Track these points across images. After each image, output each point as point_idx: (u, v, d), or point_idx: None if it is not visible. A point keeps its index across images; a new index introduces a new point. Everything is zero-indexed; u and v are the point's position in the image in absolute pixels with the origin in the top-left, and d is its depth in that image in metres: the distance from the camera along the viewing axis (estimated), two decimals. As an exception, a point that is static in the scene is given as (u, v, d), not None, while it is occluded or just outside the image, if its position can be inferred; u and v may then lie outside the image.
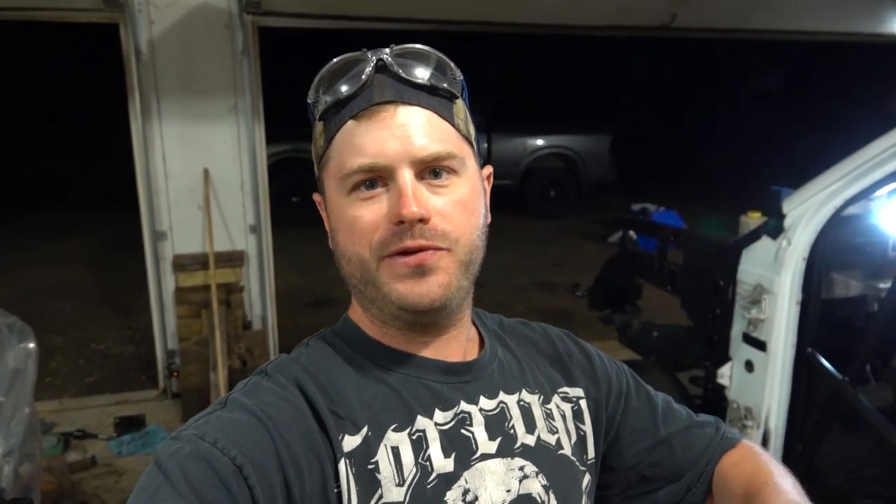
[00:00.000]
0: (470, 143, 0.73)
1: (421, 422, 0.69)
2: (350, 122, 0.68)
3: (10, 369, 2.08)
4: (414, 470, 0.67)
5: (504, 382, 0.77)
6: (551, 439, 0.77)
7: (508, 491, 0.71)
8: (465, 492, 0.68)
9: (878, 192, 1.78)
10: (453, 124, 0.70)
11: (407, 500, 0.65)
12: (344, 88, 0.69)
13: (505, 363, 0.80)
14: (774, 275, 1.90)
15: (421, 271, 0.66)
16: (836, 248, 1.99)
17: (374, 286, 0.68)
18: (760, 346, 1.96)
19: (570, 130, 8.45)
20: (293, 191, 7.79)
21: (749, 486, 0.78)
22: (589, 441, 0.82)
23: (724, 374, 2.09)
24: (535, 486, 0.73)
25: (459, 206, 0.68)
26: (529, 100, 10.10)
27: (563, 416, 0.81)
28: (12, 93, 10.66)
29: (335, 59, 0.71)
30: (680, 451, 0.85)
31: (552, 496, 0.74)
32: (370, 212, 0.67)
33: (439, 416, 0.70)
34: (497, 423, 0.74)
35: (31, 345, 2.14)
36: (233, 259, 3.57)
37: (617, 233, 3.26)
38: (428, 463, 0.68)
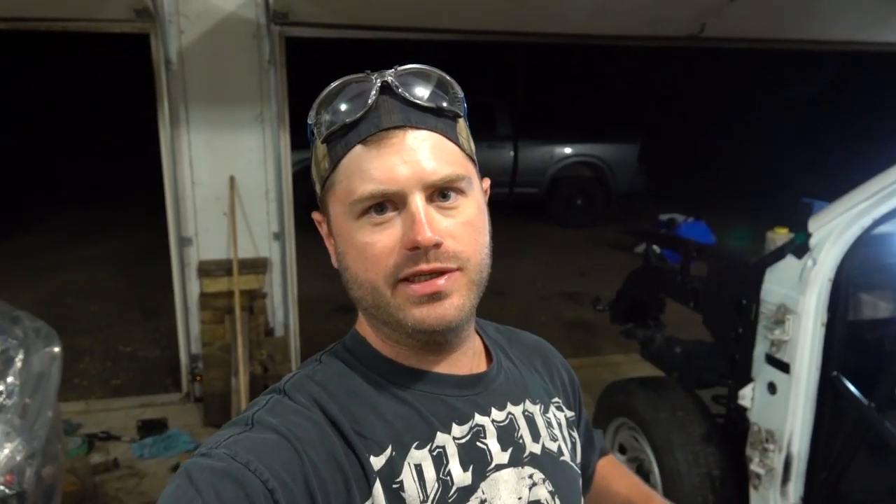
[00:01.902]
0: (473, 161, 0.74)
1: (440, 438, 0.70)
2: (358, 147, 0.67)
3: (35, 372, 2.13)
4: (436, 486, 0.68)
5: (510, 393, 0.79)
6: (553, 447, 0.80)
7: (520, 499, 0.73)
8: (483, 501, 0.70)
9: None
10: (458, 144, 0.71)
11: None
12: (349, 111, 0.68)
13: (509, 374, 0.82)
14: (799, 295, 1.86)
15: (437, 296, 0.67)
16: (865, 268, 1.93)
17: (387, 311, 0.68)
18: (784, 367, 1.91)
19: (598, 139, 8.38)
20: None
21: (631, 494, 0.95)
22: (578, 448, 0.88)
23: (746, 396, 2.04)
24: (543, 492, 0.76)
25: (469, 227, 0.69)
26: (557, 108, 10.05)
27: (560, 425, 0.84)
28: (50, 98, 10.97)
29: (337, 81, 0.70)
30: (584, 452, 0.94)
31: (557, 501, 0.77)
32: (383, 237, 0.66)
33: (456, 430, 0.72)
34: (507, 434, 0.76)
35: (56, 349, 2.18)
36: (256, 266, 3.61)
37: (643, 244, 3.23)
38: (448, 478, 0.69)
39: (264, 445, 0.62)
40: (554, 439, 0.81)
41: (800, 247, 1.88)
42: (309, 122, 0.72)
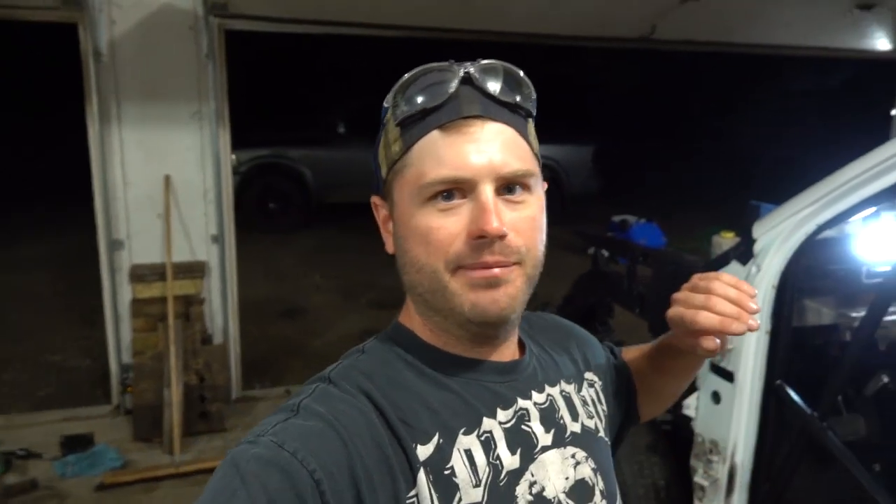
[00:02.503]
0: (539, 161, 0.75)
1: (487, 423, 0.72)
2: (435, 132, 0.69)
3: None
4: (487, 470, 0.69)
5: (546, 376, 0.82)
6: (590, 424, 0.83)
7: (567, 479, 0.75)
8: (532, 484, 0.72)
9: (853, 218, 1.69)
10: (528, 142, 0.73)
11: (485, 499, 0.68)
12: (430, 98, 0.69)
13: (540, 358, 0.84)
14: (743, 302, 1.80)
15: (495, 282, 0.68)
16: (808, 273, 1.90)
17: (444, 297, 0.70)
18: (728, 376, 1.86)
19: (551, 140, 8.37)
20: (271, 197, 7.66)
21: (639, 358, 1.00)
22: (607, 420, 0.90)
23: (690, 405, 1.99)
24: (587, 470, 0.78)
25: (531, 223, 0.71)
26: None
27: (593, 401, 0.87)
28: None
29: (419, 68, 0.71)
30: (626, 382, 0.99)
31: (599, 477, 0.79)
32: (448, 223, 0.68)
33: (502, 415, 0.73)
34: (549, 416, 0.78)
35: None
36: (193, 270, 3.44)
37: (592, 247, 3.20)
38: (498, 461, 0.70)
39: (311, 433, 0.62)
40: (591, 417, 0.84)
41: (744, 252, 1.83)
42: (385, 104, 0.73)
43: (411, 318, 0.77)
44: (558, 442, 0.77)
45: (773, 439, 1.86)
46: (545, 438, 0.76)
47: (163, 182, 3.39)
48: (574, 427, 0.80)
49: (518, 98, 0.72)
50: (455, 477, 0.67)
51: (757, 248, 1.81)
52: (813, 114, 10.00)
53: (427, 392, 0.71)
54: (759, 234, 1.80)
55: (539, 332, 0.89)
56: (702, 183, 10.21)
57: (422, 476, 0.65)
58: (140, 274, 3.37)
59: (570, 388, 0.84)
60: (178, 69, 3.39)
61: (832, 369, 1.91)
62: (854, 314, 1.90)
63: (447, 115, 0.69)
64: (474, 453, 0.69)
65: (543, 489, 0.72)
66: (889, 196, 1.57)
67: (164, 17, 3.31)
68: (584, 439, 0.80)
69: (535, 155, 0.74)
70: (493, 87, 0.70)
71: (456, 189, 0.68)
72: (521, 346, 0.83)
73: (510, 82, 0.72)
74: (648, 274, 2.43)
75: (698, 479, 1.97)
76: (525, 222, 0.70)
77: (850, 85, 7.51)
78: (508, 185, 0.69)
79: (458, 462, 0.68)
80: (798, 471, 1.85)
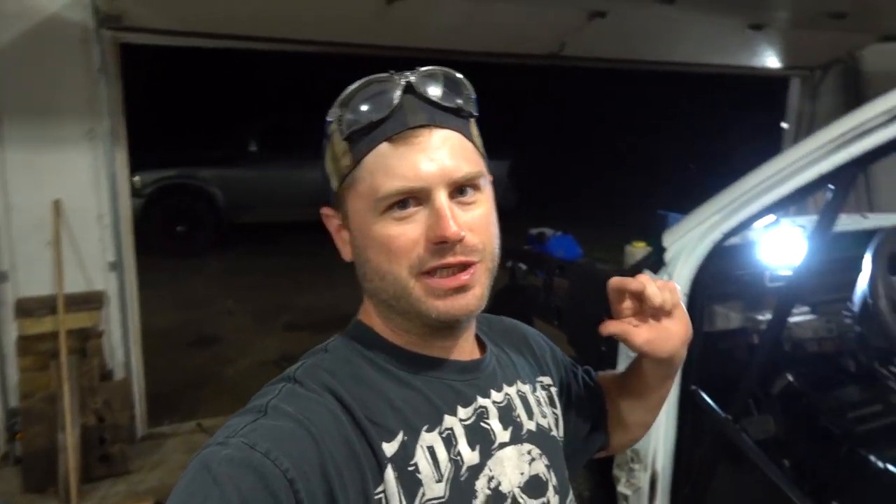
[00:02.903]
0: (485, 159, 0.77)
1: (448, 420, 0.74)
2: (384, 145, 0.70)
3: None
4: (449, 465, 0.72)
5: (504, 376, 0.85)
6: (544, 423, 0.86)
7: (522, 474, 0.78)
8: (490, 479, 0.75)
9: (755, 225, 1.74)
10: (473, 142, 0.75)
11: (447, 494, 0.70)
12: (374, 110, 0.70)
13: (499, 357, 0.87)
14: (657, 311, 1.83)
15: (462, 289, 0.71)
16: (716, 280, 1.95)
17: (409, 302, 0.72)
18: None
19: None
20: (179, 219, 7.32)
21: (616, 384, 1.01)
22: (560, 422, 0.92)
23: (612, 416, 2.00)
24: (541, 466, 0.81)
25: (485, 219, 0.74)
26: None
27: (546, 402, 0.90)
28: None
29: (361, 81, 0.72)
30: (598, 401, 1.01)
31: (552, 473, 0.83)
32: (406, 231, 0.70)
33: (462, 412, 0.76)
34: (507, 414, 0.81)
35: None
36: (89, 301, 3.19)
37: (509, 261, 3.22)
38: (459, 457, 0.73)
39: (282, 433, 0.62)
40: (544, 416, 0.87)
41: (655, 262, 1.86)
42: (328, 119, 0.74)
43: (371, 318, 0.78)
44: (515, 439, 0.80)
45: (691, 444, 1.89)
46: (503, 435, 0.78)
47: (52, 207, 3.14)
48: (530, 425, 0.83)
49: (460, 101, 0.73)
50: (419, 473, 0.69)
51: (668, 256, 1.84)
52: (716, 127, 10.58)
53: (391, 390, 0.73)
54: (669, 243, 1.84)
55: (498, 333, 0.92)
56: (613, 194, 10.59)
57: (389, 472, 0.67)
58: (27, 308, 3.09)
59: (525, 388, 0.87)
60: (68, 85, 3.15)
61: (742, 372, 1.97)
62: (760, 317, 1.97)
63: (394, 126, 0.70)
64: (436, 450, 0.71)
65: (500, 484, 0.75)
66: (786, 204, 1.63)
67: (52, 29, 3.08)
68: (538, 437, 0.83)
69: (481, 153, 0.77)
70: (436, 93, 0.72)
71: (411, 198, 0.70)
72: (482, 345, 0.86)
73: (451, 86, 0.73)
74: (565, 286, 2.45)
75: (621, 488, 1.97)
76: (479, 220, 0.73)
77: (748, 100, 7.99)
78: (460, 188, 0.71)
79: (421, 459, 0.70)
80: (715, 472, 1.89)
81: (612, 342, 2.02)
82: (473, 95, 0.76)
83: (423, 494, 0.69)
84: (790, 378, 2.15)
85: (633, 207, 8.17)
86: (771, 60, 4.74)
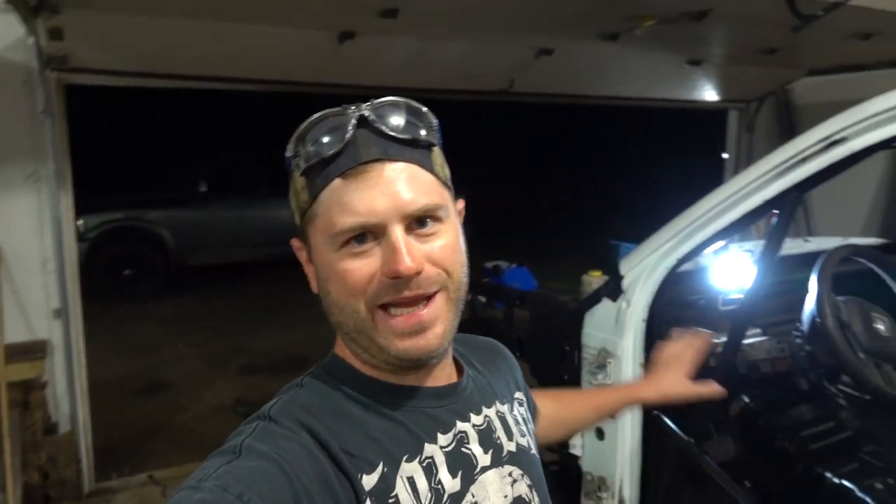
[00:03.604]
0: (448, 188, 0.77)
1: (428, 449, 0.73)
2: (337, 181, 0.70)
3: None
4: (429, 495, 0.71)
5: (482, 398, 0.84)
6: (523, 442, 0.86)
7: (505, 497, 0.78)
8: None
9: (707, 251, 1.80)
10: (433, 172, 0.74)
11: None
12: (327, 145, 0.70)
13: (476, 379, 0.86)
14: (617, 338, 1.86)
15: (421, 328, 0.71)
16: (672, 305, 2.00)
17: (368, 336, 0.72)
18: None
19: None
20: (126, 263, 7.10)
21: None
22: (534, 437, 0.93)
23: (577, 444, 2.00)
24: (523, 487, 0.81)
25: (447, 250, 0.73)
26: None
27: (524, 420, 0.90)
28: None
29: (315, 115, 0.72)
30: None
31: (535, 493, 0.83)
32: (363, 265, 0.70)
33: (442, 439, 0.75)
34: (486, 437, 0.80)
35: None
36: (32, 351, 3.04)
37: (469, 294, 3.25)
38: (440, 486, 0.72)
39: (255, 474, 0.61)
40: (523, 435, 0.87)
41: (614, 289, 1.89)
42: (287, 154, 0.73)
43: (344, 351, 0.78)
44: (496, 462, 0.79)
45: (656, 469, 1.91)
46: (484, 459, 0.78)
47: (-8, 253, 3.01)
48: (510, 446, 0.83)
49: (420, 131, 0.73)
50: None
51: (625, 284, 1.88)
52: (663, 158, 10.94)
53: (369, 422, 0.72)
54: (625, 270, 1.88)
55: (472, 352, 0.92)
56: (566, 226, 10.79)
57: None
58: (-35, 359, 2.93)
59: (504, 409, 0.87)
60: (10, 128, 3.06)
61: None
62: (715, 340, 2.01)
63: (346, 162, 0.69)
64: (416, 480, 0.70)
65: None
66: (735, 229, 1.69)
67: (-8, 72, 3.00)
68: (519, 457, 0.83)
69: (444, 182, 0.76)
70: (391, 124, 0.71)
71: (367, 232, 0.70)
72: (458, 367, 0.86)
73: (409, 115, 0.73)
74: (525, 317, 2.46)
75: (590, 518, 1.97)
76: (440, 251, 0.72)
77: (691, 132, 8.33)
78: (418, 219, 0.71)
79: (401, 490, 0.69)
80: (681, 496, 1.90)
81: (573, 371, 2.04)
82: (435, 122, 0.76)
83: None
84: (746, 399, 2.20)
85: (585, 238, 8.35)
86: (709, 94, 4.96)
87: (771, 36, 3.56)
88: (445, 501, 0.72)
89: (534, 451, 0.88)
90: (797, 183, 1.55)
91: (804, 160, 1.54)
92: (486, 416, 0.82)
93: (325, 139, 0.70)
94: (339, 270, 0.70)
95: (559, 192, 12.32)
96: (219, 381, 4.87)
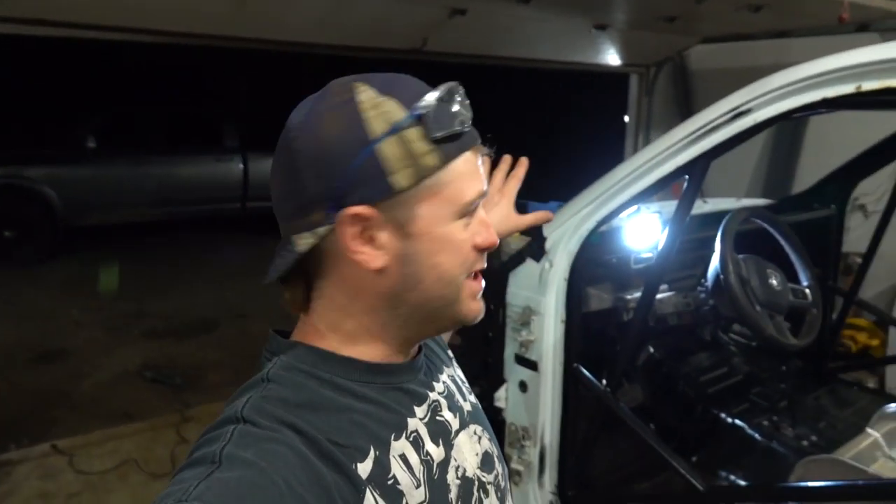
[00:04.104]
0: None
1: (411, 423, 0.74)
2: (469, 153, 0.73)
3: None
4: (422, 468, 0.72)
5: (436, 366, 0.86)
6: (472, 399, 0.90)
7: (477, 455, 0.82)
8: (457, 468, 0.77)
9: (623, 214, 1.92)
10: None
11: (427, 496, 0.71)
12: (466, 117, 0.72)
13: (425, 350, 0.86)
14: (540, 296, 1.96)
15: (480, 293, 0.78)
16: (589, 264, 2.12)
17: (456, 302, 0.75)
18: (532, 366, 2.01)
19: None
20: (6, 224, 6.55)
21: None
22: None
23: (501, 397, 2.11)
24: (486, 441, 0.85)
25: None
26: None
27: (461, 379, 0.93)
28: None
29: (451, 83, 0.72)
30: None
31: (493, 445, 0.87)
32: (468, 236, 0.74)
33: (419, 411, 0.77)
34: (451, 401, 0.83)
35: None
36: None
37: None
38: (429, 457, 0.74)
39: (241, 489, 0.56)
40: (469, 392, 0.90)
41: (537, 251, 1.98)
42: (414, 112, 0.69)
43: (322, 339, 0.74)
44: (462, 423, 0.82)
45: (575, 416, 2.04)
46: (455, 423, 0.81)
47: None
48: (467, 406, 0.86)
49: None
50: (399, 485, 0.69)
51: (548, 245, 1.97)
52: (570, 120, 11.21)
53: (350, 406, 0.70)
54: (549, 232, 1.97)
55: None
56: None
57: (368, 495, 0.65)
58: None
59: (451, 371, 0.90)
60: None
61: (615, 347, 2.16)
62: (628, 297, 2.17)
63: (473, 137, 0.74)
64: (408, 456, 0.72)
65: (465, 470, 0.78)
66: (650, 192, 1.81)
67: None
68: (475, 415, 0.87)
69: None
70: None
71: None
72: None
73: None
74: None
75: (514, 465, 2.09)
76: None
77: (596, 96, 8.58)
78: None
79: (397, 469, 0.70)
80: (597, 441, 2.06)
81: (497, 328, 2.13)
82: None
83: (407, 503, 0.69)
84: (651, 350, 2.40)
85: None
86: (612, 58, 5.14)
87: (673, 4, 3.74)
88: (436, 470, 0.74)
89: (479, 406, 0.91)
90: (706, 150, 1.67)
91: (713, 129, 1.66)
92: (443, 381, 0.85)
93: (464, 111, 0.72)
94: (458, 240, 0.73)
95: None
96: (121, 346, 4.66)
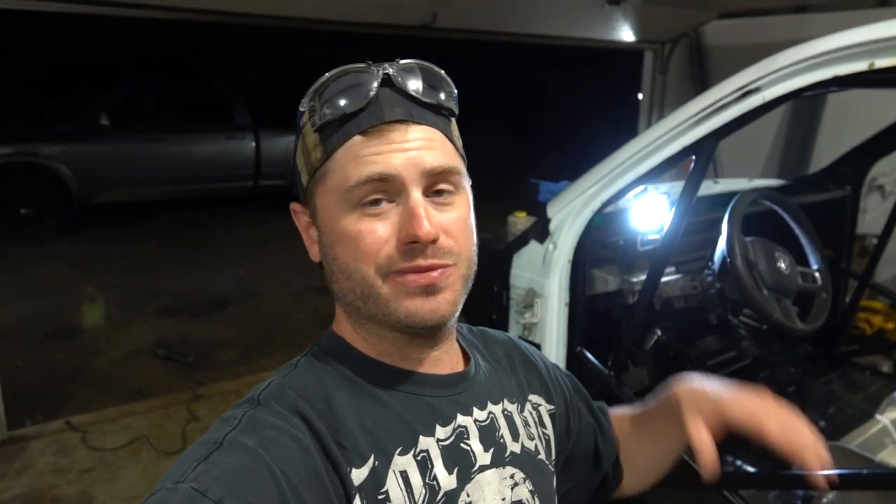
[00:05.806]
0: (464, 160, 0.74)
1: (424, 442, 0.69)
2: (357, 138, 0.67)
3: None
4: (423, 492, 0.67)
5: (489, 392, 0.80)
6: (531, 445, 0.81)
7: (503, 500, 0.74)
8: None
9: (629, 195, 1.88)
10: (452, 142, 0.72)
11: None
12: (349, 103, 0.67)
13: (485, 372, 0.82)
14: (544, 279, 1.94)
15: (432, 290, 0.67)
16: (595, 246, 2.09)
17: (376, 303, 0.68)
18: (536, 348, 1.99)
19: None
20: (22, 201, 6.61)
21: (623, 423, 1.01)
22: (552, 445, 0.87)
23: (505, 379, 2.10)
24: (524, 492, 0.76)
25: (462, 223, 0.70)
26: (300, 97, 9.78)
27: (535, 423, 0.85)
28: None
29: (335, 70, 0.69)
30: (604, 440, 0.98)
31: (537, 500, 0.78)
32: (377, 227, 0.66)
33: (440, 432, 0.71)
34: (489, 434, 0.76)
35: None
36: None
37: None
38: (435, 482, 0.68)
39: (237, 472, 0.57)
40: (531, 438, 0.82)
41: (541, 232, 1.95)
42: (301, 108, 0.70)
43: (342, 327, 0.74)
44: (497, 461, 0.75)
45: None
46: (484, 457, 0.74)
47: None
48: (514, 447, 0.78)
49: (441, 97, 0.71)
50: (389, 501, 0.65)
51: (552, 226, 1.94)
52: (583, 98, 11.06)
53: (363, 410, 0.68)
54: (553, 213, 1.94)
55: (485, 345, 0.88)
56: (488, 166, 10.84)
57: (357, 503, 0.63)
58: None
59: (512, 408, 0.82)
60: None
61: (620, 330, 2.13)
62: (634, 279, 2.13)
63: (368, 119, 0.67)
64: (410, 475, 0.67)
65: None
66: (657, 173, 1.77)
67: None
68: (523, 460, 0.78)
69: (461, 155, 0.74)
70: (415, 87, 0.69)
71: (383, 193, 0.67)
72: (466, 358, 0.81)
73: (431, 81, 0.70)
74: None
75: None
76: (455, 223, 0.69)
77: (609, 73, 8.44)
78: (436, 188, 0.68)
79: (393, 485, 0.66)
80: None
81: (501, 310, 2.11)
82: (455, 93, 0.73)
83: None
84: (659, 333, 2.36)
85: (507, 177, 8.44)
86: (626, 34, 5.04)
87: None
88: (440, 499, 0.68)
89: (542, 456, 0.83)
90: (714, 130, 1.63)
91: (721, 108, 1.61)
92: (490, 412, 0.78)
93: (347, 95, 0.67)
94: (351, 232, 0.67)
95: (480, 132, 12.33)
96: (135, 323, 4.71)
